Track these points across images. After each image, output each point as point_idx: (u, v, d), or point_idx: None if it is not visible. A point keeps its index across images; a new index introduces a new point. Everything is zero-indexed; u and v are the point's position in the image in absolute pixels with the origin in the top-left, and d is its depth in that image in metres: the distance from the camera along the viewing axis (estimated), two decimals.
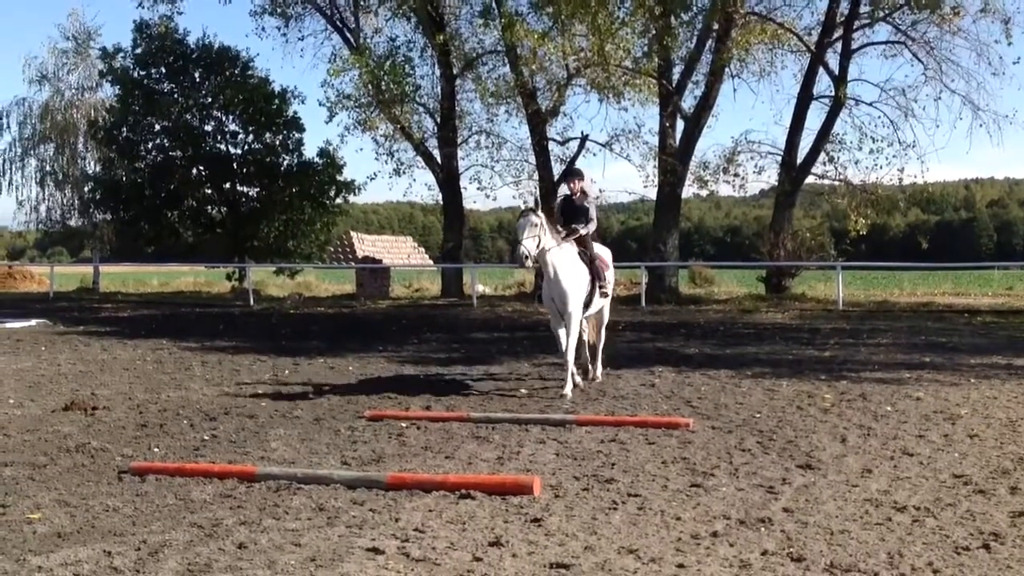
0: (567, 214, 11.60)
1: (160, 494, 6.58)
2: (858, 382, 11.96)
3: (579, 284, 10.96)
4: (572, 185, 11.81)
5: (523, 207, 10.93)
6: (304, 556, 5.23)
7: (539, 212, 10.66)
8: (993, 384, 11.73)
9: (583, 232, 11.36)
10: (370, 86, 29.91)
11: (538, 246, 10.52)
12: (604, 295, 11.60)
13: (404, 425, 9.16)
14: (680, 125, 29.99)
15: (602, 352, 12.30)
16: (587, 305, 11.21)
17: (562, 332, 11.01)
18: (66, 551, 5.32)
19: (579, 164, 31.97)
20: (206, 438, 8.68)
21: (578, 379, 11.40)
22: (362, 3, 33.10)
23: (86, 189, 38.40)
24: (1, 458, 7.75)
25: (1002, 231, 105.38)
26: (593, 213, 11.60)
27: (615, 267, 12.70)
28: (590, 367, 12.09)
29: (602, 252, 11.95)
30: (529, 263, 10.55)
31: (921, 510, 6.13)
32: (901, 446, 8.15)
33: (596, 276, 11.28)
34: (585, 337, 12.02)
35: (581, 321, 11.47)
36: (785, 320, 22.48)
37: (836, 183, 31.34)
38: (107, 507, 6.24)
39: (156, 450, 8.20)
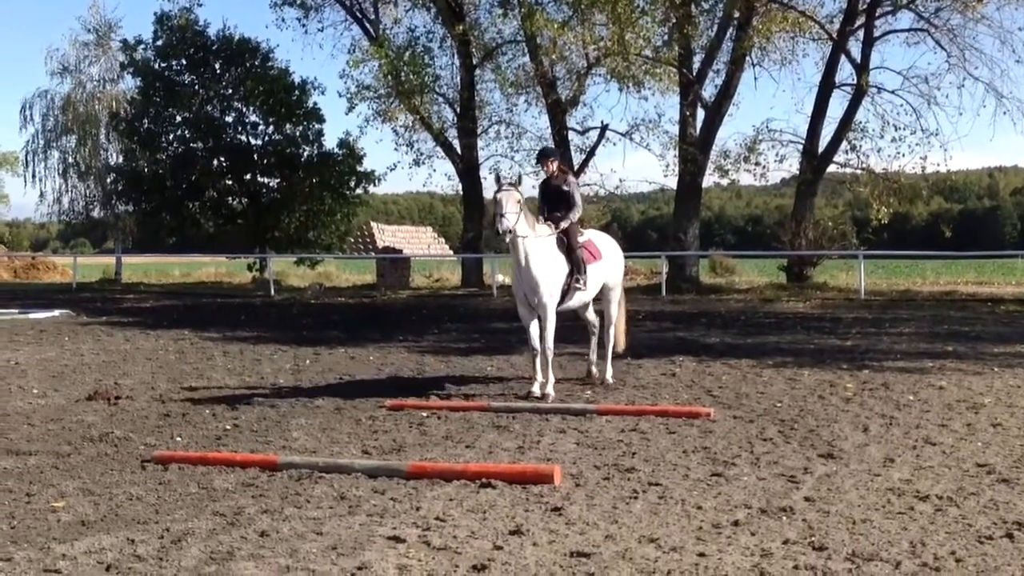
0: (547, 199, 10.70)
1: (183, 483, 6.61)
2: (880, 371, 11.90)
3: (551, 274, 10.08)
4: (547, 166, 10.81)
5: (504, 181, 9.98)
6: (325, 544, 5.25)
7: (520, 189, 9.96)
8: (1017, 373, 11.65)
9: (565, 225, 10.35)
10: (389, 77, 29.92)
11: (515, 224, 9.73)
12: (578, 290, 10.41)
13: (425, 415, 9.18)
14: (701, 114, 29.92)
15: (611, 354, 11.35)
16: (563, 298, 10.35)
17: (534, 325, 10.29)
18: (90, 539, 5.36)
19: (599, 153, 32.00)
20: (228, 427, 8.72)
21: (549, 388, 10.18)
22: None
23: (108, 180, 38.67)
24: (26, 447, 7.81)
25: None
26: (577, 197, 10.60)
27: (631, 256, 12.19)
28: (593, 367, 11.35)
29: (600, 240, 11.10)
30: (509, 237, 9.75)
31: (944, 499, 6.09)
32: (924, 435, 8.11)
33: (576, 268, 10.33)
34: (590, 329, 11.41)
35: (587, 315, 11.27)
36: (807, 309, 22.40)
37: (858, 172, 31.21)
38: (130, 496, 6.28)
39: (179, 439, 8.24)
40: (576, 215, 10.55)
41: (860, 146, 30.47)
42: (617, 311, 11.34)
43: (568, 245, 10.34)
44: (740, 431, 8.36)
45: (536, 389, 10.22)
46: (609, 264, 11.03)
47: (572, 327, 12.79)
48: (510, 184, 9.93)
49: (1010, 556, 5.01)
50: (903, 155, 30.31)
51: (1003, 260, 40.85)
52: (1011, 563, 4.90)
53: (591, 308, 11.29)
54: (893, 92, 30.00)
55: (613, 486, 6.50)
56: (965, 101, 60.26)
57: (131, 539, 5.34)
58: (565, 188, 10.58)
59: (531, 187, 11.81)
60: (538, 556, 5.05)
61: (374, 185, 37.28)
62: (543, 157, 11.16)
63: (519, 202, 9.82)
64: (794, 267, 29.95)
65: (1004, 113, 29.26)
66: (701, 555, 5.05)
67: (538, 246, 10.01)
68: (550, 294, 10.09)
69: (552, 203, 10.63)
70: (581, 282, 10.35)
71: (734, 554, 5.07)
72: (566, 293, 10.31)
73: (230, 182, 37.31)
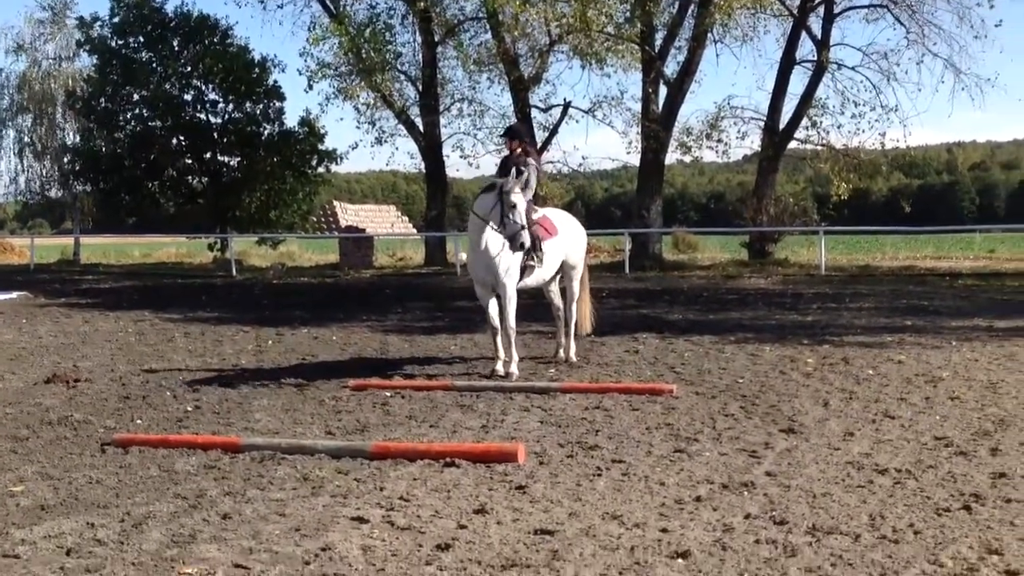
0: (503, 175, 10.16)
1: (143, 466, 6.55)
2: (840, 346, 12.02)
3: (507, 253, 9.94)
4: (509, 145, 10.71)
5: (514, 181, 9.69)
6: (289, 526, 5.23)
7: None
8: (974, 347, 11.80)
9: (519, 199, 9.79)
10: (350, 54, 29.64)
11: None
12: (534, 268, 10.23)
13: (388, 394, 9.15)
14: (663, 91, 29.93)
15: (575, 331, 11.24)
16: (521, 275, 10.24)
17: (492, 304, 10.23)
18: (49, 524, 5.30)
19: (562, 131, 31.96)
20: (189, 409, 8.66)
21: (513, 367, 10.19)
22: None
23: (65, 160, 38.10)
24: None
25: (984, 194, 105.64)
26: (532, 180, 10.32)
27: (594, 234, 12.04)
28: (561, 343, 11.28)
29: (556, 217, 11.03)
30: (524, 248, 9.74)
31: (902, 472, 6.17)
32: (883, 409, 8.20)
33: (531, 245, 10.05)
34: (554, 311, 11.36)
35: (550, 292, 11.21)
36: (768, 285, 22.56)
37: (819, 148, 31.49)
38: (90, 479, 6.22)
39: (139, 422, 8.17)
40: (528, 195, 10.17)
41: (820, 122, 30.73)
42: (579, 289, 11.26)
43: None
44: (702, 407, 8.42)
45: (500, 368, 10.20)
46: (567, 240, 10.87)
47: (535, 305, 12.80)
48: (519, 185, 9.75)
49: (967, 528, 5.09)
50: (863, 131, 30.61)
51: (961, 235, 41.30)
52: (968, 535, 4.97)
53: (555, 287, 11.23)
54: (853, 68, 30.25)
55: (577, 464, 6.53)
56: (924, 77, 60.91)
57: (91, 523, 5.29)
58: (522, 169, 10.20)
59: (494, 165, 11.62)
60: (502, 534, 5.07)
61: (336, 164, 37.07)
62: (507, 135, 11.10)
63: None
64: (756, 243, 30.15)
65: (962, 89, 29.57)
66: (664, 531, 5.08)
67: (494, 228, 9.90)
68: (508, 274, 10.06)
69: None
70: (536, 259, 10.23)
71: (696, 529, 5.11)
72: (523, 271, 10.24)
73: (189, 161, 36.88)
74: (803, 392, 9.04)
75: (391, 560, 4.70)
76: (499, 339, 10.32)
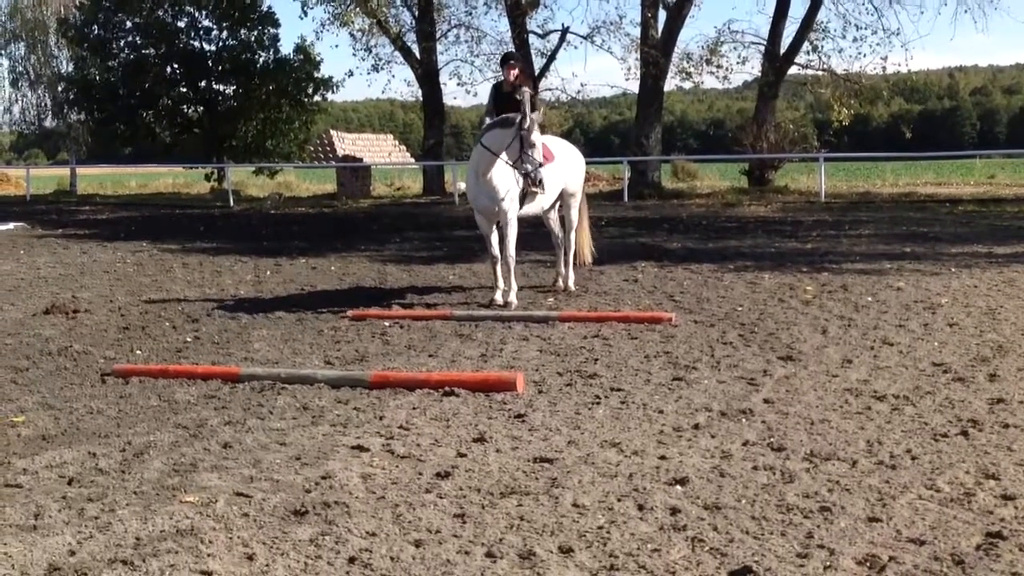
0: (498, 104, 10.29)
1: (144, 396, 6.57)
2: (839, 273, 12.00)
3: (509, 180, 9.84)
4: (508, 72, 10.37)
5: (529, 117, 9.51)
6: (289, 455, 5.25)
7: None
8: (973, 273, 11.79)
9: (538, 138, 9.75)
10: None
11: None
12: (535, 194, 10.02)
13: (387, 324, 9.16)
14: (662, 16, 29.51)
15: (574, 260, 11.19)
16: (522, 203, 10.12)
17: (493, 233, 10.16)
18: (51, 453, 5.32)
19: (560, 57, 31.58)
20: (189, 340, 8.67)
21: (512, 297, 10.07)
22: None
23: (60, 89, 37.75)
24: None
25: (985, 119, 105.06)
26: (539, 115, 9.93)
27: (593, 162, 11.87)
28: (560, 272, 11.20)
29: (554, 144, 10.78)
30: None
31: (900, 399, 6.19)
32: (881, 336, 8.21)
33: None
34: (554, 239, 11.26)
35: (550, 220, 11.10)
36: (768, 213, 22.49)
37: (820, 73, 31.12)
38: (91, 409, 6.23)
39: (139, 352, 8.18)
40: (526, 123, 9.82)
41: (822, 47, 30.38)
42: (578, 218, 11.14)
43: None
44: (701, 335, 8.42)
45: (499, 297, 10.18)
46: (565, 166, 10.69)
47: (534, 234, 12.76)
48: (537, 123, 9.60)
49: (964, 453, 5.11)
50: (864, 55, 30.40)
51: (962, 160, 41.12)
52: (965, 460, 4.99)
53: (555, 214, 11.13)
54: None
55: (575, 392, 6.54)
56: None
57: (92, 453, 5.31)
58: (518, 97, 9.91)
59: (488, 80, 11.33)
60: (501, 462, 5.09)
61: (332, 92, 36.80)
62: (506, 61, 10.83)
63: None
64: (755, 171, 29.99)
65: (965, 11, 29.27)
66: (662, 458, 5.11)
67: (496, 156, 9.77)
68: (511, 199, 9.95)
69: (503, 110, 10.19)
70: (539, 187, 9.93)
71: (695, 456, 5.13)
72: (524, 198, 10.11)
73: (184, 89, 36.57)
74: (802, 319, 9.04)
75: (391, 488, 4.73)
76: (498, 268, 10.28)
